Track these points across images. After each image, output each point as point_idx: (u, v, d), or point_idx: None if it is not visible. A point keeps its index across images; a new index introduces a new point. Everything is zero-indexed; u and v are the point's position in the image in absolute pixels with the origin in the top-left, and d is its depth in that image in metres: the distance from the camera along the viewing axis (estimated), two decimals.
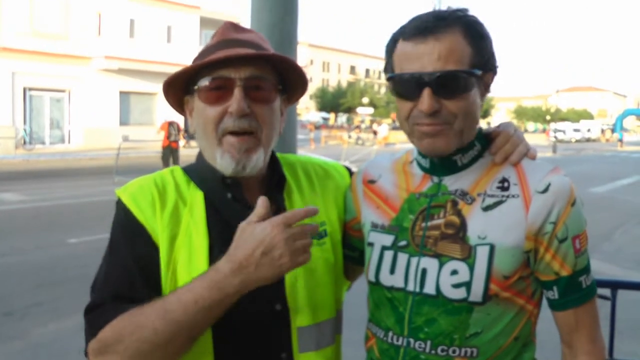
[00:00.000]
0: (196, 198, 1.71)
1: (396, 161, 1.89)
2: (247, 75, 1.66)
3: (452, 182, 1.70)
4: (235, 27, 1.80)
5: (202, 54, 1.73)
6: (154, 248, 1.63)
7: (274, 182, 1.80)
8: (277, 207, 1.76)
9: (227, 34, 1.76)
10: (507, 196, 1.63)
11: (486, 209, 1.63)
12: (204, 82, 1.68)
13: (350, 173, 2.03)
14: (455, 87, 1.56)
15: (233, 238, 1.50)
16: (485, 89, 1.68)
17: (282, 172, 1.82)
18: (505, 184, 1.65)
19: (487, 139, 1.75)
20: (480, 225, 1.62)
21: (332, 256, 1.83)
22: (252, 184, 1.75)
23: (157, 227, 1.64)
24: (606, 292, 2.83)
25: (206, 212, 1.69)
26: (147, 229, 1.64)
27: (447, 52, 1.55)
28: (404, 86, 1.61)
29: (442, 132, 1.60)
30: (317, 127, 74.03)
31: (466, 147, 1.69)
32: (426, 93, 1.55)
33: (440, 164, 1.71)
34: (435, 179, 1.73)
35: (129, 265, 1.62)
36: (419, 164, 1.78)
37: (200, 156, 1.80)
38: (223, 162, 1.68)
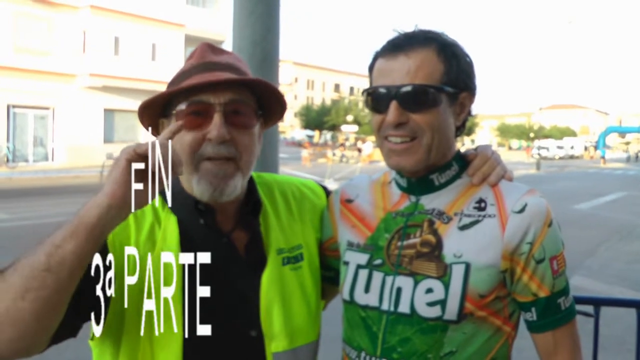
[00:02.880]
0: (170, 222, 1.67)
1: (374, 181, 1.90)
2: (226, 100, 1.63)
3: (429, 202, 1.71)
4: (212, 48, 1.75)
5: (179, 77, 1.69)
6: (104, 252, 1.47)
7: (249, 207, 1.76)
8: (252, 232, 1.75)
9: (205, 56, 1.72)
10: (484, 216, 1.64)
11: (462, 228, 1.64)
12: (182, 107, 1.63)
13: (327, 192, 2.02)
14: (421, 101, 1.60)
15: (207, 269, 1.47)
16: (461, 109, 1.71)
17: (258, 197, 1.79)
18: (482, 204, 1.66)
19: (464, 161, 1.76)
20: (456, 244, 1.62)
21: (309, 280, 1.81)
22: (228, 209, 1.72)
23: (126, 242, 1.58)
24: (589, 309, 2.84)
25: (180, 238, 1.64)
26: (108, 241, 1.53)
27: (416, 67, 1.60)
28: (375, 100, 1.67)
29: (410, 149, 1.63)
30: (301, 145, 74.09)
31: (443, 166, 1.71)
32: (393, 105, 1.61)
33: (417, 183, 1.72)
34: (413, 198, 1.74)
35: None
36: (397, 184, 1.79)
37: (175, 180, 1.75)
38: (200, 188, 1.64)
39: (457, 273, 1.58)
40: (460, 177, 1.73)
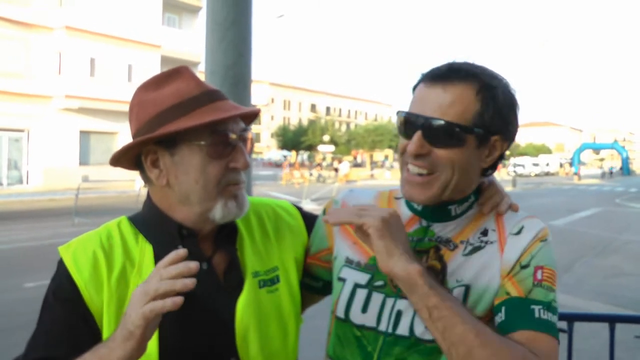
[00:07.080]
0: (145, 254, 1.65)
1: (380, 198, 1.87)
2: (241, 129, 1.67)
3: (441, 229, 1.70)
4: (190, 74, 1.71)
5: (189, 105, 1.63)
6: (88, 317, 1.58)
7: (224, 233, 1.75)
8: (230, 258, 1.74)
9: (202, 85, 1.68)
10: (486, 242, 1.65)
11: (466, 255, 1.64)
12: (207, 138, 1.61)
13: (301, 213, 2.01)
14: (445, 138, 1.56)
15: (188, 295, 1.45)
16: (491, 151, 1.65)
17: (233, 222, 1.77)
18: (485, 232, 1.67)
19: (478, 192, 1.75)
20: (459, 269, 1.62)
21: (287, 302, 1.79)
22: (208, 234, 1.72)
23: (102, 293, 1.59)
24: (562, 324, 2.86)
25: None
26: (85, 297, 1.58)
27: (449, 102, 1.56)
28: (402, 124, 1.63)
29: (427, 184, 1.60)
30: (279, 165, 73.94)
31: (464, 198, 1.69)
32: (416, 136, 1.57)
33: (433, 211, 1.70)
34: (424, 223, 1.72)
35: (59, 331, 1.56)
36: (409, 205, 1.77)
37: (150, 205, 1.73)
38: (226, 210, 1.65)
39: (457, 295, 1.57)
40: (472, 207, 1.72)
